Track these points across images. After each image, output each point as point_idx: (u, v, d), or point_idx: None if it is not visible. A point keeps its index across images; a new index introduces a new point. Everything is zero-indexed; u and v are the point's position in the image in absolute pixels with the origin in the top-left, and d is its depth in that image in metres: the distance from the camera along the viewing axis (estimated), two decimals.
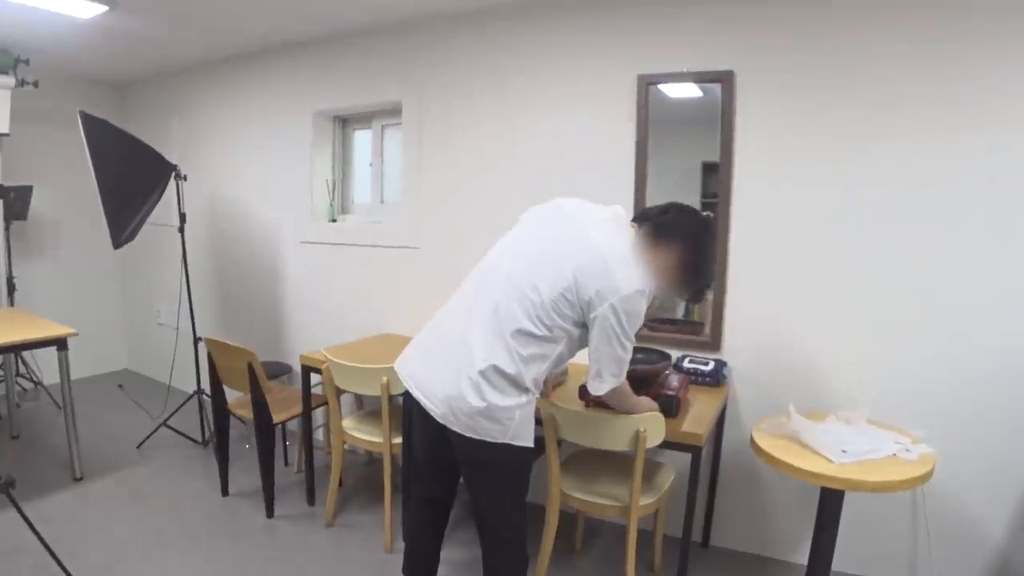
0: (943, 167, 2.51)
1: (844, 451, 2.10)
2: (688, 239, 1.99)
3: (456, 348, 1.95)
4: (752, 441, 2.29)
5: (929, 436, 2.26)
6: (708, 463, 2.97)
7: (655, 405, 2.32)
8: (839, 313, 2.73)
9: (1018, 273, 2.47)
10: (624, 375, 2.04)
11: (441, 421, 1.94)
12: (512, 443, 1.92)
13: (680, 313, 3.15)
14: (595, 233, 1.93)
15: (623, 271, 1.86)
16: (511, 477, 2.03)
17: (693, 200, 2.99)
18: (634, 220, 2.06)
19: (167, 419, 4.13)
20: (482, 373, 1.87)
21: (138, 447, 4.00)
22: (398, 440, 2.90)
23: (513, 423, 1.90)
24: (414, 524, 2.37)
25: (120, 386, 5.05)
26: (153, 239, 4.53)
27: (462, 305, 2.03)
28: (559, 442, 2.42)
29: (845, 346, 2.73)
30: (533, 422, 1.99)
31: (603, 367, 1.98)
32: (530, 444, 1.97)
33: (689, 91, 2.95)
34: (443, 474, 2.23)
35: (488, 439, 1.90)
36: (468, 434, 1.91)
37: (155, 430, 4.09)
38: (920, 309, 2.61)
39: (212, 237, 4.72)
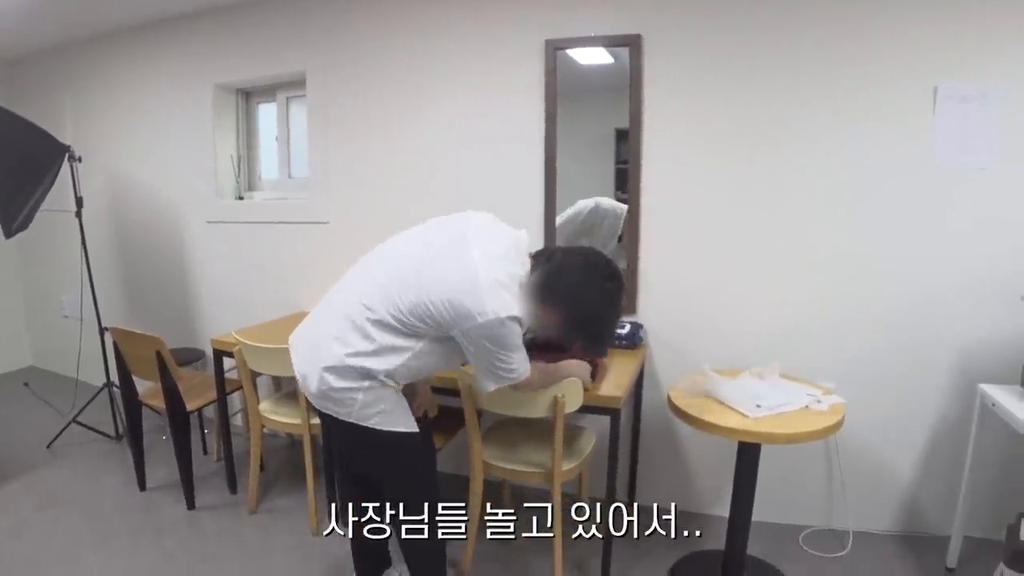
0: (852, 134, 2.58)
1: (758, 405, 2.15)
2: (578, 309, 1.86)
3: (317, 328, 1.96)
4: (669, 400, 2.31)
5: (838, 388, 2.33)
6: (629, 424, 3.01)
7: (584, 365, 2.31)
8: (748, 274, 2.80)
9: (921, 236, 2.58)
10: (517, 375, 1.91)
11: (300, 385, 1.97)
12: (360, 423, 1.89)
13: None
14: (480, 251, 1.80)
15: (492, 295, 1.73)
16: (381, 458, 2.01)
17: (606, 167, 3.02)
18: (533, 257, 1.92)
19: (77, 415, 3.94)
20: (331, 356, 1.85)
21: (48, 447, 3.81)
22: (317, 420, 2.83)
23: (356, 404, 1.86)
24: (343, 504, 2.31)
25: (25, 384, 4.78)
26: (50, 226, 4.27)
27: (339, 289, 2.01)
28: (479, 413, 2.41)
29: (756, 305, 2.81)
30: (392, 406, 1.92)
31: (483, 373, 1.91)
32: (386, 428, 1.91)
33: (600, 57, 2.93)
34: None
35: (341, 417, 1.90)
36: (323, 409, 1.94)
37: (65, 428, 3.89)
38: (827, 268, 2.70)
39: (113, 221, 4.49)
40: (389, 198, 3.33)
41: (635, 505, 3.10)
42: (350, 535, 2.31)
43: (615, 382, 2.42)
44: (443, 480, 2.74)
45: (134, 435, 3.28)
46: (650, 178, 2.84)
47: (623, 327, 2.83)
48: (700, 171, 2.79)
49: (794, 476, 2.86)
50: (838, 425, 2.12)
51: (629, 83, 2.78)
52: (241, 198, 4.02)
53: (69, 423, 3.91)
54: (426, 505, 2.05)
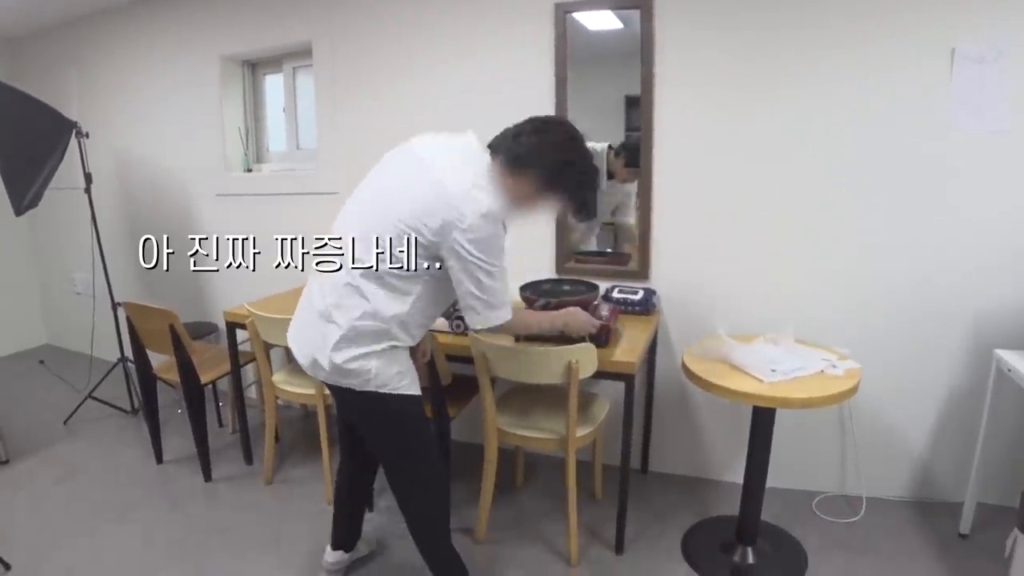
0: (867, 96, 2.53)
1: (773, 370, 2.13)
2: (545, 163, 1.85)
3: (313, 310, 1.92)
4: (683, 365, 2.30)
5: (853, 354, 2.30)
6: (642, 391, 3.00)
7: (584, 313, 2.30)
8: (763, 238, 2.76)
9: (935, 201, 2.54)
10: (506, 305, 1.90)
11: (310, 373, 1.95)
12: (379, 391, 1.87)
13: (594, 243, 3.18)
14: (440, 166, 1.81)
15: (466, 199, 1.73)
16: (398, 424, 1.98)
17: (617, 134, 2.97)
18: (489, 146, 1.91)
19: (92, 391, 3.96)
20: (339, 328, 1.82)
21: (65, 423, 3.84)
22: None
23: (373, 371, 1.84)
24: (339, 475, 2.36)
25: (41, 362, 4.82)
26: (60, 204, 4.27)
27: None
28: (493, 380, 2.40)
29: (770, 270, 2.78)
30: (405, 369, 1.92)
31: (473, 300, 1.84)
32: (404, 392, 1.91)
33: (609, 22, 2.88)
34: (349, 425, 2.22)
35: (359, 388, 1.87)
36: (334, 383, 1.92)
37: (81, 403, 3.92)
38: (841, 235, 2.67)
39: (122, 196, 4.48)
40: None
41: (648, 471, 3.13)
42: (338, 505, 2.36)
43: (629, 347, 2.41)
44: (456, 449, 2.77)
45: (149, 409, 3.29)
46: (662, 144, 2.80)
47: (636, 293, 2.81)
48: (713, 137, 2.74)
49: (808, 442, 2.85)
50: (853, 390, 2.10)
51: (640, 47, 2.73)
52: (250, 170, 4.01)
53: (85, 399, 3.94)
54: (433, 473, 2.07)
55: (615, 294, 2.83)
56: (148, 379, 3.24)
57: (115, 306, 3.80)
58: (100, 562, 2.57)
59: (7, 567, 2.46)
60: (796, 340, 2.38)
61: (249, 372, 3.64)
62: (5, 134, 3.32)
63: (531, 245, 3.09)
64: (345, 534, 2.40)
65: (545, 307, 2.45)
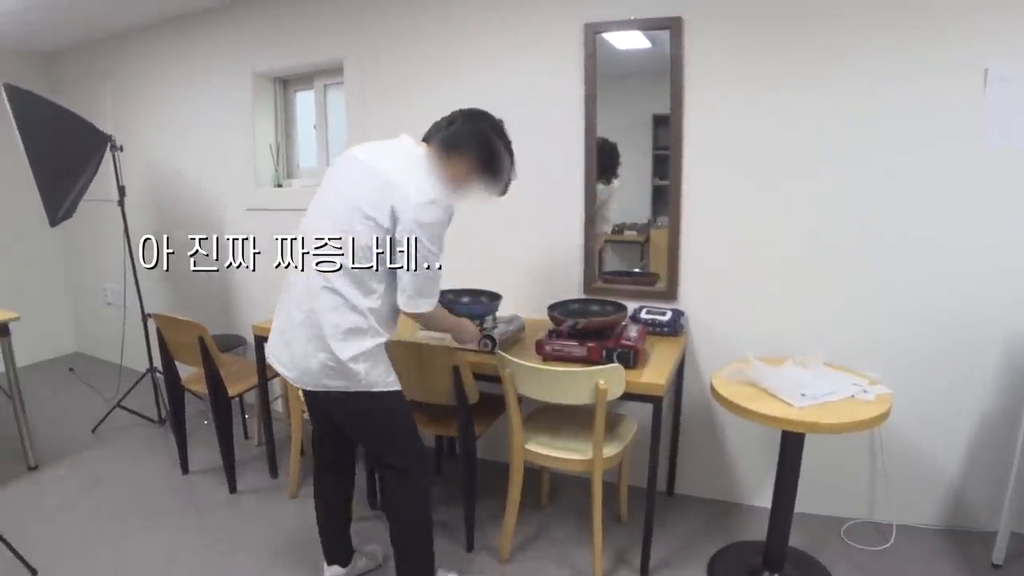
0: (897, 113, 2.50)
1: (803, 394, 2.10)
2: (476, 144, 2.05)
3: (293, 322, 2.02)
4: (712, 388, 2.28)
5: (883, 379, 2.27)
6: (670, 412, 2.98)
7: (470, 327, 2.42)
8: (794, 259, 2.73)
9: (968, 223, 2.50)
10: (434, 296, 2.03)
11: (297, 384, 2.08)
12: (371, 390, 1.99)
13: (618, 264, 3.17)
14: (380, 163, 1.97)
15: (411, 185, 1.89)
16: (382, 423, 2.11)
17: (644, 153, 2.97)
18: (424, 139, 2.11)
19: (121, 400, 4.02)
20: (325, 334, 1.93)
21: (93, 431, 3.90)
22: None
23: (362, 371, 1.96)
24: (315, 488, 2.43)
25: (71, 369, 4.90)
26: (93, 215, 4.36)
27: (290, 285, 2.08)
28: (519, 398, 2.40)
29: (800, 292, 2.75)
30: (389, 365, 2.05)
31: (407, 284, 1.96)
32: (391, 388, 2.04)
33: (637, 42, 2.88)
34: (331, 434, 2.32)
35: (350, 390, 1.98)
36: (321, 388, 2.01)
37: (109, 412, 3.98)
38: (872, 256, 2.63)
39: (154, 209, 4.55)
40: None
41: (674, 493, 3.10)
42: (319, 518, 2.42)
43: (658, 369, 2.39)
44: (480, 466, 2.76)
45: (177, 420, 3.32)
46: (691, 164, 2.79)
47: (664, 313, 2.79)
48: (743, 155, 2.73)
49: (836, 467, 2.81)
50: (885, 415, 2.07)
51: (670, 67, 2.73)
52: (280, 186, 4.05)
53: (114, 408, 3.99)
54: (420, 462, 2.19)
55: (643, 315, 2.81)
56: (176, 390, 3.27)
57: (145, 317, 3.84)
58: (124, 570, 2.59)
59: (33, 572, 2.49)
60: (826, 363, 2.36)
61: (276, 386, 3.66)
62: (42, 147, 3.37)
63: (559, 265, 3.09)
64: (334, 547, 2.44)
65: (573, 327, 2.44)
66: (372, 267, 1.92)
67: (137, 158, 4.32)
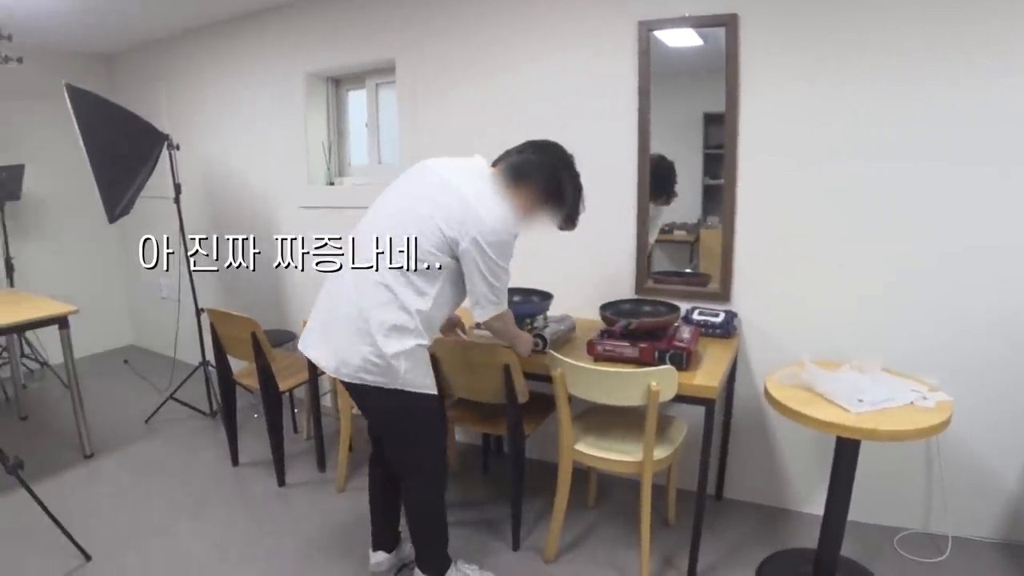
0: (958, 107, 2.42)
1: (861, 400, 2.06)
2: (543, 176, 2.11)
3: (338, 314, 2.07)
4: (766, 392, 2.24)
5: (943, 385, 2.21)
6: (720, 415, 2.93)
7: (527, 339, 2.44)
8: (851, 261, 2.67)
9: None
10: (504, 302, 2.13)
11: (333, 375, 2.09)
12: (406, 389, 2.03)
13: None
14: (457, 180, 2.05)
15: (484, 208, 1.98)
16: (413, 423, 2.15)
17: (695, 151, 2.94)
18: (493, 164, 2.17)
19: (174, 392, 4.11)
20: (373, 325, 1.98)
21: (146, 421, 4.00)
22: None
23: (402, 369, 2.00)
24: (370, 475, 2.48)
25: (126, 361, 5.02)
26: (150, 212, 4.45)
27: (339, 276, 2.14)
28: (569, 399, 2.39)
29: (858, 294, 2.68)
30: (428, 368, 2.09)
31: (479, 296, 2.06)
32: (428, 391, 2.08)
33: (688, 40, 2.84)
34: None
35: (385, 386, 2.02)
36: (359, 381, 2.04)
37: (162, 404, 4.07)
38: (936, 257, 2.54)
39: (208, 206, 4.65)
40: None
41: (723, 498, 3.05)
42: (371, 504, 2.48)
43: (710, 371, 2.36)
44: (528, 466, 2.75)
45: (228, 413, 3.38)
46: (747, 163, 2.75)
47: (717, 315, 2.76)
48: (799, 154, 2.68)
49: (891, 474, 2.74)
50: (945, 424, 2.01)
51: (725, 64, 2.69)
52: (332, 184, 4.10)
53: (167, 399, 4.08)
54: (440, 469, 2.27)
55: (695, 316, 2.78)
56: (228, 384, 3.33)
57: (198, 312, 3.92)
58: (175, 559, 2.65)
59: (88, 558, 2.57)
60: (884, 369, 2.30)
61: (325, 381, 3.70)
62: (101, 145, 3.46)
63: (610, 264, 3.08)
64: (383, 534, 2.48)
65: (626, 327, 2.43)
66: (429, 269, 1.99)
67: (191, 156, 4.40)
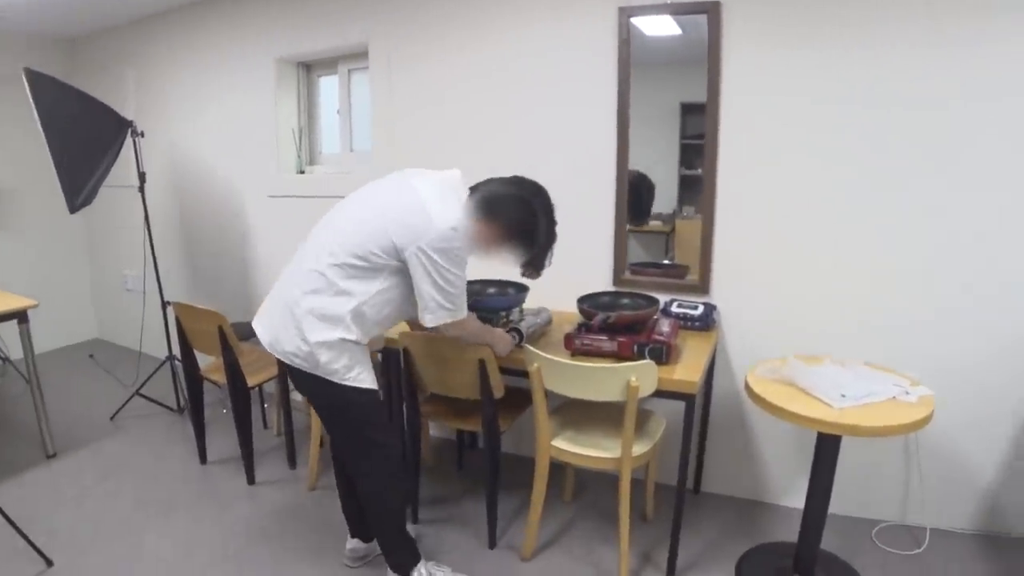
0: (943, 101, 2.38)
1: (843, 395, 2.01)
2: (517, 216, 2.04)
3: (282, 295, 2.09)
4: (747, 386, 2.19)
5: (923, 379, 2.18)
6: (699, 409, 2.89)
7: (506, 337, 2.39)
8: (831, 254, 2.63)
9: (1011, 219, 2.38)
10: (460, 309, 2.07)
11: (269, 350, 2.12)
12: (328, 378, 2.03)
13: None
14: (419, 184, 2.01)
15: (435, 212, 1.93)
16: (336, 411, 2.16)
17: (671, 142, 2.88)
18: (471, 188, 2.11)
19: (140, 388, 4.00)
20: (300, 312, 2.00)
21: (112, 418, 3.88)
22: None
23: (323, 358, 2.00)
24: (334, 462, 2.47)
25: (91, 356, 4.88)
26: (114, 201, 4.32)
27: (295, 259, 2.14)
28: (546, 394, 2.33)
29: (839, 287, 2.64)
30: (355, 362, 2.05)
31: (427, 302, 2.01)
32: (351, 383, 2.04)
33: (667, 28, 2.78)
34: None
35: (306, 370, 2.03)
36: (288, 361, 2.07)
37: (128, 400, 3.95)
38: (920, 250, 2.51)
39: (175, 196, 4.51)
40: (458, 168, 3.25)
41: (701, 491, 3.02)
42: (339, 491, 2.48)
43: (690, 365, 2.31)
44: (504, 460, 2.69)
45: (195, 409, 3.28)
46: (727, 153, 2.70)
47: (696, 307, 2.71)
48: (780, 145, 2.63)
49: (869, 467, 2.72)
50: (927, 419, 1.97)
51: (707, 53, 2.63)
52: (302, 172, 3.99)
53: (132, 396, 3.97)
54: (381, 458, 2.20)
55: (674, 308, 2.73)
56: (195, 379, 3.23)
57: (164, 304, 3.81)
58: (141, 561, 2.56)
59: (49, 563, 2.47)
60: (866, 364, 2.27)
61: None
62: (62, 132, 3.33)
63: (588, 256, 3.01)
64: (355, 523, 2.47)
65: (604, 321, 2.37)
66: (370, 267, 1.97)
67: (159, 144, 4.29)
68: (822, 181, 2.59)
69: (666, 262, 3.03)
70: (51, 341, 5.05)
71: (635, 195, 2.95)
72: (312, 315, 1.99)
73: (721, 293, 2.82)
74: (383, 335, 2.51)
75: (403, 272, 2.00)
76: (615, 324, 2.37)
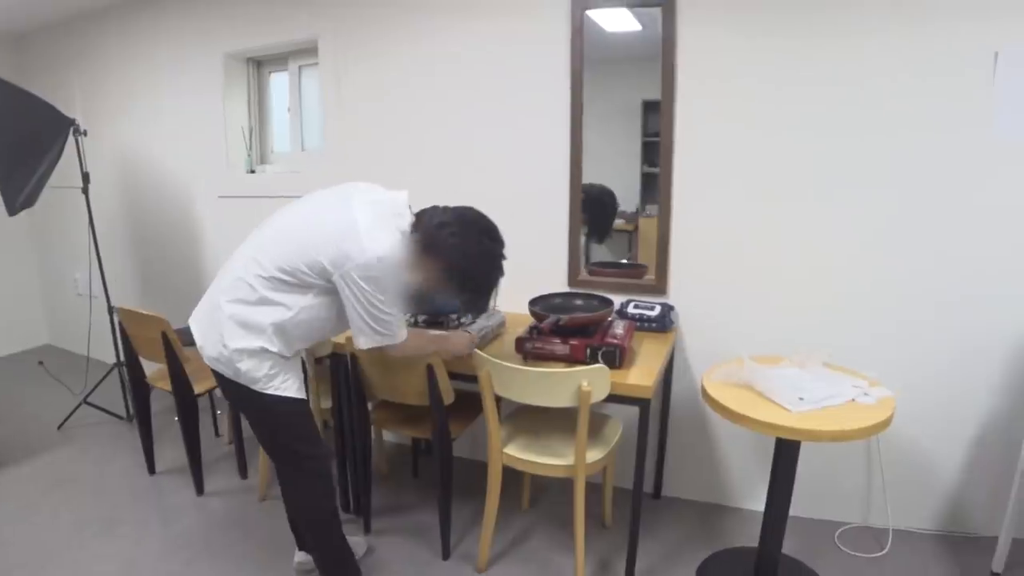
0: (905, 103, 2.32)
1: (801, 398, 1.93)
2: (450, 261, 1.90)
3: (211, 298, 2.00)
4: (703, 391, 2.10)
5: (882, 378, 2.10)
6: (657, 412, 2.82)
7: (465, 336, 2.27)
8: (790, 253, 2.56)
9: (974, 219, 2.33)
10: (393, 333, 1.95)
11: (199, 350, 2.03)
12: (250, 387, 1.94)
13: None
14: (358, 205, 1.88)
15: (365, 239, 1.80)
16: (259, 418, 2.06)
17: (634, 139, 2.78)
18: (416, 215, 1.97)
19: (87, 396, 3.82)
20: (224, 317, 1.91)
21: (59, 428, 3.71)
22: (326, 405, 2.69)
23: (243, 366, 1.91)
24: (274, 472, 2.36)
25: (40, 363, 4.67)
26: (63, 203, 4.14)
27: (229, 261, 2.05)
28: (498, 400, 2.22)
29: (796, 288, 2.57)
30: (278, 371, 1.95)
31: (361, 324, 1.90)
32: (273, 392, 1.95)
33: (628, 23, 2.69)
34: None
35: (230, 378, 1.95)
36: (213, 367, 2.00)
37: (75, 409, 3.78)
38: (874, 253, 2.45)
39: (125, 197, 4.33)
40: (403, 171, 3.15)
41: (661, 496, 2.93)
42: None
43: (645, 369, 2.21)
44: (459, 465, 2.58)
45: (141, 418, 3.14)
46: (683, 151, 2.61)
47: (652, 308, 2.62)
48: (738, 142, 2.55)
49: (830, 469, 2.65)
50: (887, 422, 1.89)
51: (662, 48, 2.54)
52: (253, 172, 3.84)
53: (80, 404, 3.80)
54: (309, 476, 2.10)
55: (630, 309, 2.64)
56: (141, 387, 3.08)
57: (111, 310, 3.64)
58: None
59: None
60: (824, 363, 2.19)
61: None
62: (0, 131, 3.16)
63: (542, 256, 2.91)
64: (300, 535, 2.40)
65: (556, 324, 2.26)
66: (296, 283, 1.87)
67: (107, 143, 4.11)
68: (781, 179, 2.52)
69: (624, 261, 2.94)
70: (1, 347, 4.85)
71: (598, 210, 2.85)
72: (234, 321, 1.90)
73: (679, 293, 2.73)
74: (330, 340, 2.41)
75: (334, 292, 1.89)
76: (567, 327, 2.27)
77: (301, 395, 2.01)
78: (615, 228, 2.92)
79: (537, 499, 2.91)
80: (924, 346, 2.45)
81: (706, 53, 2.52)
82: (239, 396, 1.99)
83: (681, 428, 2.85)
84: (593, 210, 2.86)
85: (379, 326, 1.90)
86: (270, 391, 1.94)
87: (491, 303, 2.07)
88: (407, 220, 1.93)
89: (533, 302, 2.46)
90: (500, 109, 2.91)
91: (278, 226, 1.98)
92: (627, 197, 2.87)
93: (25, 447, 3.46)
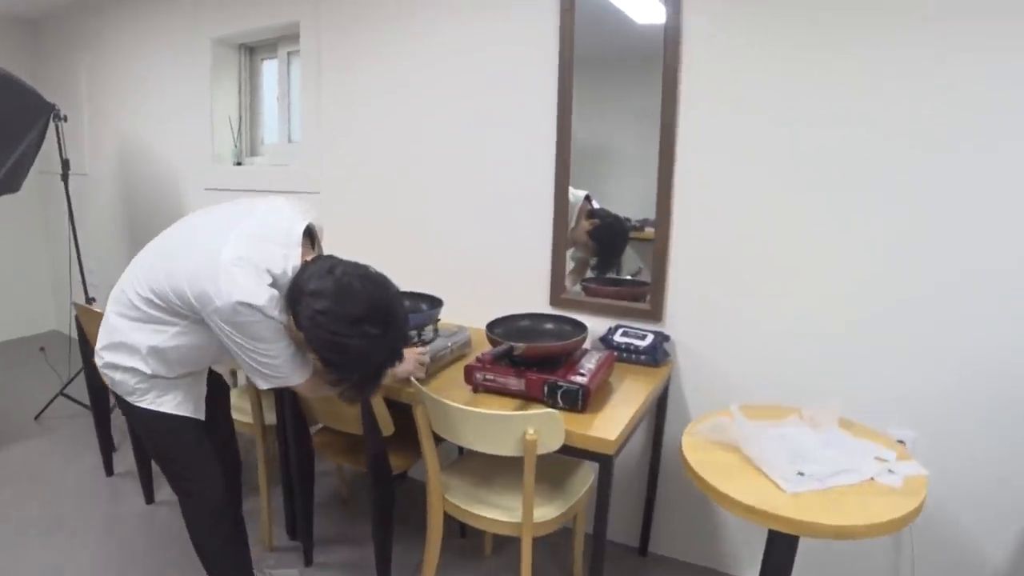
0: (930, 107, 1.79)
1: (801, 472, 1.43)
2: (322, 354, 1.53)
3: (108, 307, 1.77)
4: (680, 451, 1.60)
5: (916, 440, 1.58)
6: (645, 458, 2.33)
7: (413, 358, 1.86)
8: (805, 279, 2.03)
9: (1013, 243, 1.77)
10: (289, 376, 1.64)
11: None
12: (125, 397, 1.74)
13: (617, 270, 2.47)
14: (235, 235, 1.54)
15: (224, 279, 1.47)
16: (140, 431, 1.86)
17: (653, 143, 2.27)
18: (302, 266, 1.57)
19: (64, 387, 3.55)
20: (108, 325, 1.72)
21: (36, 418, 3.45)
22: (272, 422, 2.32)
23: (116, 379, 1.72)
24: None
25: (41, 349, 4.43)
26: (73, 191, 3.88)
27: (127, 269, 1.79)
28: (437, 439, 1.78)
29: (816, 325, 2.03)
30: (149, 385, 1.71)
31: (247, 369, 1.63)
32: (147, 407, 1.72)
33: (655, 16, 2.19)
34: None
35: (116, 391, 1.76)
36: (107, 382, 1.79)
37: (52, 400, 3.52)
38: (910, 282, 1.90)
39: (122, 185, 4.04)
40: (382, 165, 2.74)
41: (648, 553, 2.43)
42: None
43: (614, 416, 1.71)
44: (417, 491, 2.15)
45: (99, 419, 2.85)
46: (686, 153, 2.12)
47: (643, 337, 2.13)
48: (750, 151, 2.04)
49: (848, 557, 2.11)
50: (915, 513, 1.37)
51: (663, 41, 2.07)
52: (240, 163, 3.48)
53: (57, 395, 3.55)
54: (189, 502, 1.87)
55: (617, 337, 2.15)
56: (97, 386, 2.76)
57: (88, 300, 3.37)
58: None
59: None
60: (841, 422, 1.67)
61: None
62: None
63: (521, 268, 2.45)
64: None
65: (508, 352, 1.79)
66: (167, 311, 1.61)
67: (107, 131, 3.82)
68: (794, 193, 2.00)
69: (629, 277, 2.44)
70: (8, 331, 4.66)
71: (608, 238, 2.39)
72: (113, 334, 1.69)
73: (676, 322, 2.22)
74: None
75: (201, 325, 1.60)
76: (525, 357, 1.80)
77: (181, 412, 1.76)
78: (645, 237, 2.38)
79: (503, 544, 2.44)
80: (966, 401, 1.87)
81: (714, 45, 2.04)
82: (121, 408, 1.80)
83: (673, 477, 2.33)
84: (602, 239, 2.40)
85: (265, 369, 1.60)
86: (143, 404, 1.73)
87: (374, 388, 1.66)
88: (291, 262, 1.55)
89: (492, 325, 1.98)
90: (486, 99, 2.47)
91: (162, 243, 1.72)
92: (645, 205, 2.33)
93: (2, 436, 3.23)
